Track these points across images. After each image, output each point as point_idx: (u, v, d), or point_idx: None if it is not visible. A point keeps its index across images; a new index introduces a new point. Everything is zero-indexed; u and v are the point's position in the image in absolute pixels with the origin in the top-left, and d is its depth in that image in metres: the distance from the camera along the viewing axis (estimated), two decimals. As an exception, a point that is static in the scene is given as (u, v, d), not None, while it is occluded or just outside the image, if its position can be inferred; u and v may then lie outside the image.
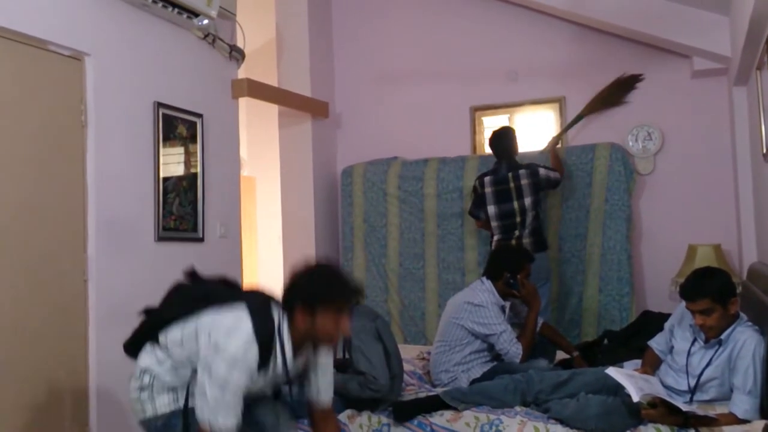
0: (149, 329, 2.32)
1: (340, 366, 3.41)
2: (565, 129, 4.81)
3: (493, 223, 4.40)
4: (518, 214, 4.30)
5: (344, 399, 3.15)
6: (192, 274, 2.42)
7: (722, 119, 4.60)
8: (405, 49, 5.52)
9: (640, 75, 4.73)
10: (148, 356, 2.29)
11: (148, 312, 2.39)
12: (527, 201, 4.30)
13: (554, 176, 4.40)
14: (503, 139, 4.47)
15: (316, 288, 2.10)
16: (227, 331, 2.06)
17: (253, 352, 2.04)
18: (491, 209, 4.37)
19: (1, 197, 2.84)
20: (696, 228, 4.57)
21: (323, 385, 2.35)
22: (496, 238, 4.39)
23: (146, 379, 2.25)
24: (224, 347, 2.03)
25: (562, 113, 5.03)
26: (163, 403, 2.24)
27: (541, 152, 4.72)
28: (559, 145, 4.79)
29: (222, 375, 2.01)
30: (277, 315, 2.14)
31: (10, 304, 2.85)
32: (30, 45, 2.99)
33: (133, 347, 2.36)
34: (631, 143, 4.78)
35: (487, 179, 4.43)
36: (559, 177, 4.42)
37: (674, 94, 4.73)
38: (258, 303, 2.16)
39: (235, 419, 2.04)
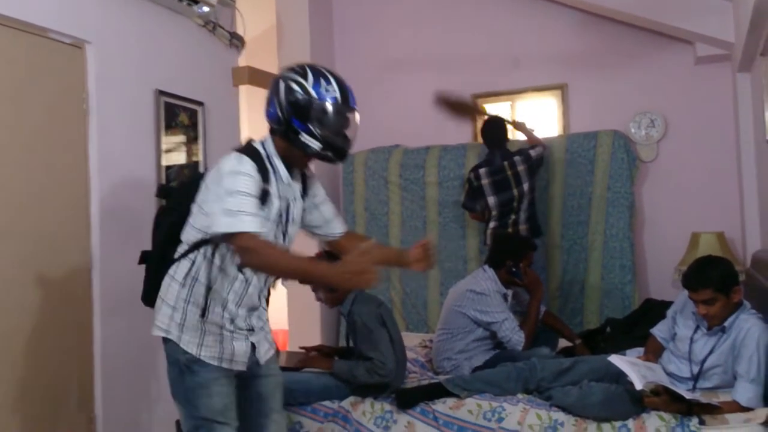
0: (160, 259, 2.30)
1: (345, 353, 3.43)
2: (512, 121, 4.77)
3: (494, 213, 4.39)
4: (517, 200, 4.30)
5: (349, 385, 3.17)
6: (162, 188, 2.42)
7: (726, 106, 4.58)
8: (406, 36, 5.49)
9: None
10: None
11: (147, 253, 2.41)
12: (525, 186, 4.29)
13: (540, 151, 4.41)
14: (495, 128, 4.46)
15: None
16: (217, 166, 2.10)
17: (247, 162, 2.05)
18: (491, 200, 4.36)
19: (3, 186, 2.83)
20: (699, 215, 4.56)
21: (329, 214, 2.42)
22: (491, 225, 4.38)
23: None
24: (220, 170, 2.05)
25: (564, 100, 5.01)
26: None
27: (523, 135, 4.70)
28: (560, 133, 4.78)
29: (228, 186, 1.99)
30: (260, 143, 2.19)
31: (14, 293, 2.86)
32: (31, 33, 2.98)
33: (151, 293, 2.32)
34: (633, 130, 4.76)
35: (482, 171, 4.40)
36: (542, 150, 4.43)
37: (677, 80, 4.71)
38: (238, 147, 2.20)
39: (257, 223, 1.98)
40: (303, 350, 3.58)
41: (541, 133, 4.82)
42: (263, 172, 2.09)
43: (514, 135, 4.66)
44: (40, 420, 2.95)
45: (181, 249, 2.21)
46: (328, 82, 2.14)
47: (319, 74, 2.14)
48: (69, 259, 3.15)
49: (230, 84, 4.38)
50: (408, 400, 3.06)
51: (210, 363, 2.17)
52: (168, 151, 3.78)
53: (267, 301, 2.39)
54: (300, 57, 5.22)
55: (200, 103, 4.03)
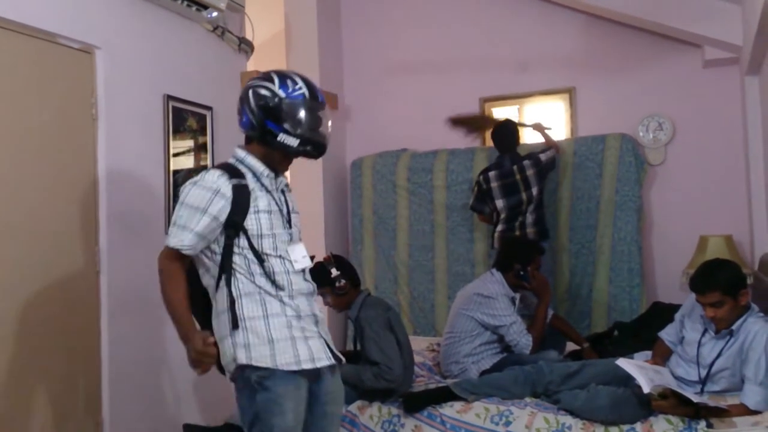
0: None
1: (352, 357, 3.43)
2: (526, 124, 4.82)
3: (502, 216, 4.39)
4: (525, 204, 4.31)
5: (356, 390, 3.17)
6: None
7: (734, 109, 4.56)
8: (414, 40, 5.50)
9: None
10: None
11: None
12: (534, 191, 4.30)
13: (551, 154, 4.42)
14: (505, 132, 4.48)
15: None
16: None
17: (212, 173, 2.12)
18: (500, 203, 4.37)
19: (13, 190, 2.85)
20: (707, 219, 4.54)
21: None
22: (499, 229, 4.39)
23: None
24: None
25: (572, 103, 5.01)
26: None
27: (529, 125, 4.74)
28: (568, 136, 4.78)
29: (181, 197, 2.12)
30: (233, 156, 2.24)
31: (22, 296, 2.87)
32: (40, 38, 3.00)
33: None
34: (641, 134, 4.75)
35: (492, 174, 4.42)
36: (554, 153, 4.45)
37: (685, 84, 4.70)
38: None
39: (183, 239, 2.08)
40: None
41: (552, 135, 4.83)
42: (234, 173, 2.15)
43: (523, 138, 4.66)
44: (47, 424, 2.96)
45: (210, 289, 2.22)
46: (294, 82, 2.19)
47: (284, 77, 2.20)
48: (77, 262, 3.16)
49: (239, 89, 4.39)
50: (415, 404, 3.06)
51: (287, 371, 2.11)
52: (176, 155, 3.80)
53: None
54: (308, 61, 5.27)
55: (209, 108, 4.04)
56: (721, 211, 4.56)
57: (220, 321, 2.16)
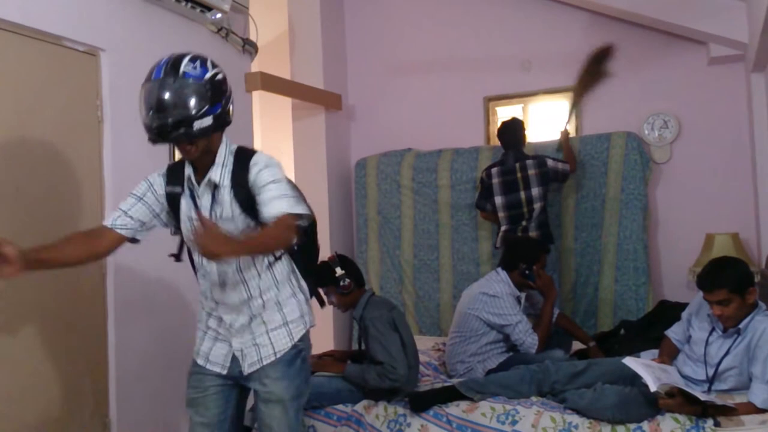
0: None
1: (358, 356, 3.43)
2: (567, 120, 4.72)
3: (500, 214, 4.39)
4: (525, 204, 4.29)
5: (361, 389, 3.17)
6: None
7: (740, 106, 4.54)
8: (418, 40, 5.50)
9: (612, 45, 4.51)
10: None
11: None
12: (534, 192, 4.28)
13: (563, 168, 4.38)
14: (511, 130, 4.47)
15: None
16: None
17: (156, 172, 2.36)
18: (498, 200, 4.37)
19: (19, 193, 2.86)
20: (713, 217, 4.53)
21: (265, 198, 2.10)
22: (503, 228, 4.39)
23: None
24: None
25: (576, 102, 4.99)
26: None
27: (557, 149, 4.68)
28: (572, 135, 4.77)
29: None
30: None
31: (28, 297, 2.88)
32: (46, 41, 3.01)
33: None
34: (647, 132, 4.74)
35: (494, 170, 4.42)
36: (568, 170, 4.40)
37: (691, 81, 4.69)
38: None
39: (109, 218, 2.32)
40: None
41: (553, 136, 4.82)
42: (172, 177, 2.29)
43: (529, 137, 4.63)
44: (54, 424, 2.97)
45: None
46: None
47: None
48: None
49: (243, 90, 4.41)
50: (421, 403, 3.06)
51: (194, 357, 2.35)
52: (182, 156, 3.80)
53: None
54: (312, 62, 5.27)
55: (213, 109, 4.04)
56: (728, 208, 4.54)
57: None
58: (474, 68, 5.29)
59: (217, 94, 2.11)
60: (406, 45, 5.54)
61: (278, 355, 2.26)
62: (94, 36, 3.24)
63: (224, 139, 2.24)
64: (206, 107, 2.07)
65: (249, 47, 4.37)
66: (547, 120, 5.05)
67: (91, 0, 3.23)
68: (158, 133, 2.05)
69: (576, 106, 4.71)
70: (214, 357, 2.31)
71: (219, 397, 2.33)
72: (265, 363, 2.26)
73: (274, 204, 2.06)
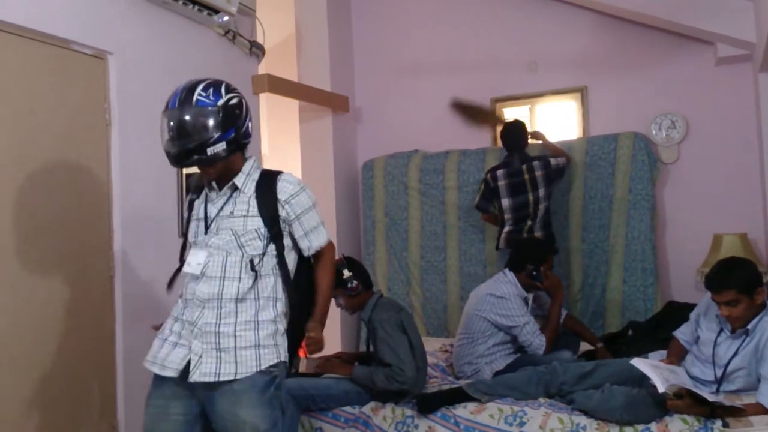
0: None
1: (365, 358, 3.43)
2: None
3: (506, 216, 4.37)
4: (532, 205, 4.29)
5: (369, 391, 3.17)
6: None
7: (747, 106, 4.53)
8: (424, 42, 5.51)
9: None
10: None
11: None
12: (541, 192, 4.28)
13: (561, 162, 4.41)
14: (515, 132, 4.46)
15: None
16: None
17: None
18: (505, 202, 4.36)
19: (28, 196, 2.88)
20: (721, 217, 4.51)
21: (304, 232, 2.32)
22: (506, 230, 4.37)
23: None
24: None
25: (583, 103, 4.99)
26: None
27: (542, 146, 4.69)
28: (579, 136, 4.76)
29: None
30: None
31: (37, 301, 2.90)
32: (54, 45, 3.03)
33: None
34: (654, 132, 4.73)
35: (499, 172, 4.40)
36: (565, 161, 4.44)
37: (698, 81, 4.67)
38: None
39: None
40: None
41: (561, 137, 4.82)
42: (196, 188, 2.42)
43: (533, 142, 4.65)
44: (62, 428, 2.98)
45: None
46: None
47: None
48: (91, 266, 3.19)
49: (250, 92, 4.42)
50: (429, 405, 3.06)
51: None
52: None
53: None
54: (319, 64, 5.29)
55: (220, 112, 4.06)
56: (736, 209, 4.52)
57: None
58: (481, 69, 5.29)
59: (230, 119, 2.19)
60: (413, 47, 5.54)
61: (238, 377, 2.14)
62: (101, 39, 3.26)
63: (253, 157, 2.36)
64: (218, 134, 2.16)
65: (256, 50, 4.38)
66: (554, 120, 5.04)
67: (98, 4, 3.25)
68: (176, 160, 2.21)
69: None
70: (170, 362, 2.20)
71: (182, 427, 2.24)
72: (221, 379, 2.14)
73: (320, 234, 2.36)
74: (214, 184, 2.30)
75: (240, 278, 2.21)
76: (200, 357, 2.16)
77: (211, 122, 2.15)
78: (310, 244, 2.32)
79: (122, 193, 3.33)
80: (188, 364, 2.17)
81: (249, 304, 2.21)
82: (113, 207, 3.31)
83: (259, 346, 2.19)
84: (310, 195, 2.33)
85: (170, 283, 2.42)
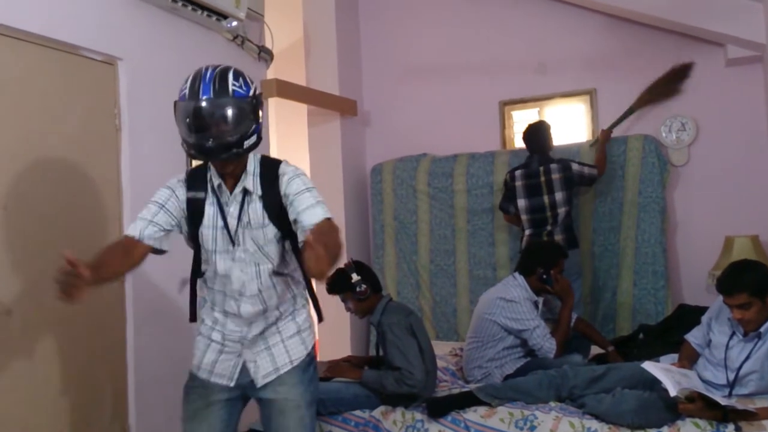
0: None
1: (375, 362, 3.43)
2: (616, 123, 4.65)
3: (523, 217, 4.37)
4: (548, 208, 4.28)
5: (379, 395, 3.17)
6: None
7: (758, 108, 4.50)
8: (432, 45, 5.51)
9: (692, 63, 4.57)
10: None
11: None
12: (558, 196, 4.26)
13: (589, 172, 4.35)
14: (536, 132, 4.45)
15: None
16: None
17: (177, 176, 2.28)
18: (521, 203, 4.36)
19: (39, 201, 2.90)
20: (733, 219, 4.48)
21: (301, 207, 2.11)
22: (526, 233, 4.37)
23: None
24: None
25: (593, 105, 4.97)
26: None
27: (591, 145, 4.66)
28: (589, 138, 4.74)
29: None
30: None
31: (48, 305, 2.90)
32: (63, 51, 3.04)
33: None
34: (664, 134, 4.71)
35: (518, 173, 4.41)
36: (595, 173, 4.37)
37: (708, 83, 4.64)
38: None
39: (133, 227, 2.22)
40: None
41: (570, 139, 4.80)
42: (193, 182, 2.24)
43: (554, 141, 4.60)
44: (74, 431, 2.99)
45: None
46: (186, 81, 2.10)
47: (188, 77, 2.12)
48: (103, 271, 3.20)
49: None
50: (439, 409, 3.05)
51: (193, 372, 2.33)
52: (199, 164, 3.83)
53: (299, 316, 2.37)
54: (327, 68, 5.30)
55: (229, 116, 4.07)
56: (747, 211, 4.49)
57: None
58: (489, 72, 5.28)
59: (259, 110, 2.14)
60: (421, 50, 5.54)
61: (294, 364, 2.28)
62: (111, 45, 3.27)
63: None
64: (254, 126, 2.10)
65: (264, 54, 4.39)
66: (563, 123, 5.02)
67: (108, 9, 3.27)
68: (211, 152, 2.06)
69: (632, 112, 4.68)
70: (220, 369, 2.28)
71: (224, 411, 2.30)
72: (281, 372, 2.27)
73: (315, 211, 2.07)
74: (222, 184, 2.19)
75: (274, 285, 2.25)
76: (255, 362, 2.27)
77: (249, 115, 2.07)
78: (306, 221, 2.07)
79: (133, 199, 3.34)
80: (240, 368, 2.28)
81: (287, 303, 2.32)
82: (123, 212, 3.32)
83: (300, 331, 2.33)
84: (305, 179, 2.22)
85: (192, 316, 2.39)
